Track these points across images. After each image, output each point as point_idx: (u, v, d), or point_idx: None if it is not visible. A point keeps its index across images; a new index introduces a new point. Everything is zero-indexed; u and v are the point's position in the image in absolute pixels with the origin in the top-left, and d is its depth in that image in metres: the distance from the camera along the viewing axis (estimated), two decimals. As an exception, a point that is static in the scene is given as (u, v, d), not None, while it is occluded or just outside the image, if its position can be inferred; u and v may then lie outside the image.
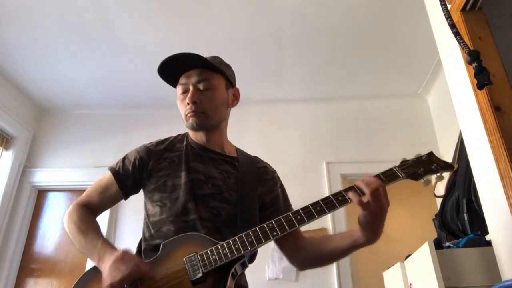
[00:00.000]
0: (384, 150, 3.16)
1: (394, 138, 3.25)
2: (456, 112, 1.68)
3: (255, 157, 1.36)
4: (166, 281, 0.99)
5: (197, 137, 1.27)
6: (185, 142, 1.28)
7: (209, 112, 1.21)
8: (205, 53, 1.24)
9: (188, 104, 1.19)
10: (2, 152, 3.22)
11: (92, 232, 1.13)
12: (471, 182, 1.69)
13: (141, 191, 1.26)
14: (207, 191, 1.17)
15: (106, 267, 0.99)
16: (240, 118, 2.63)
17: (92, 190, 1.24)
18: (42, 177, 3.37)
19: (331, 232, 2.83)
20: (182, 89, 1.23)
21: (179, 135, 1.33)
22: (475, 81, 1.30)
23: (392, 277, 2.13)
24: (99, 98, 3.50)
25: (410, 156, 1.15)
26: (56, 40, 2.82)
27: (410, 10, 2.52)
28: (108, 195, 1.22)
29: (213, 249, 1.01)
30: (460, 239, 1.68)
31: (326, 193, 2.97)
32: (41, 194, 3.39)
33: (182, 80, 1.23)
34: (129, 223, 3.08)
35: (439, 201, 2.24)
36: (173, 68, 1.22)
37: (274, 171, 1.35)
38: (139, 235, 1.23)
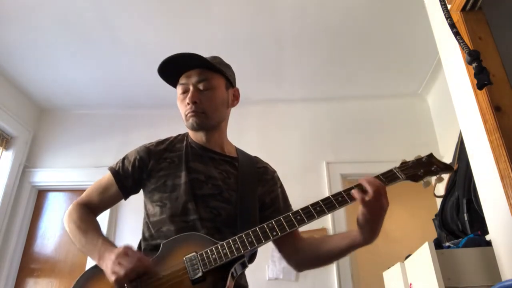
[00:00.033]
0: (384, 150, 3.16)
1: (394, 138, 3.25)
2: (456, 112, 1.68)
3: (255, 157, 1.36)
4: (166, 280, 0.99)
5: (197, 137, 1.27)
6: (185, 142, 1.28)
7: (209, 112, 1.21)
8: (205, 53, 1.24)
9: (188, 104, 1.19)
10: (2, 152, 3.22)
11: (92, 231, 1.13)
12: (471, 182, 1.69)
13: (141, 191, 1.27)
14: (207, 191, 1.17)
15: (107, 265, 0.99)
16: (240, 118, 2.63)
17: (92, 190, 1.24)
18: (42, 177, 3.37)
19: (331, 232, 2.83)
20: (182, 89, 1.23)
21: (179, 135, 1.33)
22: (475, 81, 1.30)
23: (392, 277, 2.13)
24: (99, 98, 3.50)
25: (410, 156, 1.16)
26: (56, 40, 2.82)
27: (410, 10, 2.52)
28: (108, 195, 1.22)
29: (213, 248, 1.01)
30: (460, 239, 1.68)
31: (326, 193, 2.99)
32: (41, 194, 3.39)
33: (182, 80, 1.23)
34: (129, 223, 3.08)
35: (439, 201, 2.24)
36: (173, 68, 1.22)
37: (274, 171, 1.35)
38: (139, 235, 1.23)
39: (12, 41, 2.82)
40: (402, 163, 1.12)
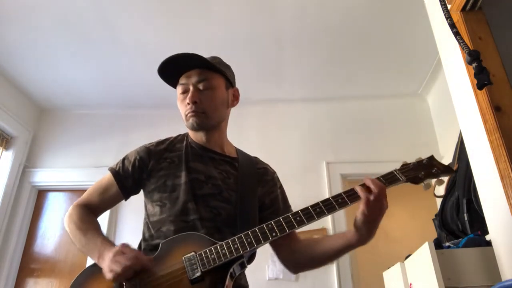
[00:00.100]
0: (384, 150, 3.17)
1: (394, 138, 3.25)
2: (456, 112, 1.68)
3: (255, 158, 1.36)
4: (165, 280, 0.99)
5: (197, 137, 1.27)
6: (185, 142, 1.28)
7: (209, 112, 1.21)
8: (205, 53, 1.24)
9: (188, 104, 1.19)
10: (2, 152, 3.22)
11: (92, 231, 1.13)
12: (471, 182, 1.69)
13: (141, 192, 1.27)
14: (207, 191, 1.17)
15: (107, 261, 0.99)
16: (240, 118, 2.63)
17: (92, 190, 1.24)
18: (42, 177, 3.37)
19: (331, 232, 2.83)
20: (182, 89, 1.23)
21: (179, 135, 1.33)
22: (475, 81, 1.30)
23: (392, 277, 2.12)
24: (99, 98, 3.50)
25: (411, 157, 1.16)
26: (56, 40, 2.82)
27: (410, 10, 2.52)
28: (108, 196, 1.22)
29: (212, 248, 1.01)
30: (460, 239, 1.68)
31: (326, 193, 3.00)
32: (41, 194, 3.40)
33: (182, 80, 1.23)
34: (129, 223, 3.08)
35: (439, 201, 2.24)
36: (173, 68, 1.22)
37: (274, 172, 1.35)
38: (139, 235, 1.23)
39: (12, 41, 2.82)
40: (402, 165, 1.12)
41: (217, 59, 1.29)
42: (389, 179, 1.07)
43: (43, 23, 2.67)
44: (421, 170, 1.10)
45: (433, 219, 2.16)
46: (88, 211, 1.20)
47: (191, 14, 2.60)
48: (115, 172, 1.22)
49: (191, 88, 1.20)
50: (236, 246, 1.01)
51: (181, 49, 1.22)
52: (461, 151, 1.91)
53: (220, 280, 0.99)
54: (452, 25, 1.37)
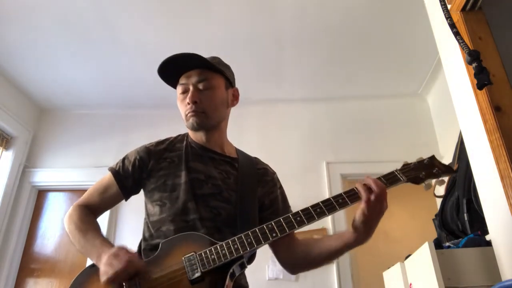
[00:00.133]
0: (384, 150, 3.17)
1: (394, 138, 3.25)
2: (456, 112, 1.68)
3: (255, 158, 1.36)
4: (165, 280, 0.99)
5: (197, 137, 1.27)
6: (185, 142, 1.28)
7: (209, 112, 1.21)
8: (205, 53, 1.24)
9: (188, 104, 1.19)
10: (2, 152, 3.22)
11: (91, 231, 1.13)
12: (471, 182, 1.69)
13: (141, 192, 1.26)
14: (207, 190, 1.17)
15: (102, 263, 0.99)
16: (240, 118, 2.63)
17: (93, 190, 1.24)
18: (42, 177, 3.37)
19: (331, 232, 2.83)
20: (182, 89, 1.23)
21: (179, 135, 1.33)
22: (475, 81, 1.30)
23: (392, 277, 2.12)
24: (99, 98, 3.50)
25: (411, 156, 1.16)
26: (56, 40, 2.82)
27: (410, 10, 2.52)
28: (108, 196, 1.22)
29: (212, 249, 1.01)
30: (460, 239, 1.68)
31: (326, 193, 3.00)
32: (41, 194, 3.40)
33: (182, 80, 1.23)
34: (129, 223, 3.08)
35: (439, 201, 2.24)
36: (173, 69, 1.22)
37: (274, 173, 1.35)
38: (139, 235, 1.23)
39: (12, 41, 2.82)
40: (403, 165, 1.11)
41: (216, 59, 1.29)
42: (390, 179, 1.07)
43: (43, 23, 2.67)
44: (422, 170, 1.09)
45: (433, 219, 2.16)
46: (88, 212, 1.20)
47: (191, 14, 2.60)
48: (115, 172, 1.22)
49: (191, 88, 1.20)
50: (236, 246, 1.01)
51: (181, 49, 1.22)
52: (461, 151, 1.91)
53: (220, 280, 0.99)
54: (452, 25, 1.37)
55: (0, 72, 3.13)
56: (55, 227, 3.24)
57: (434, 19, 1.82)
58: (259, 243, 1.01)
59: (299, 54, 2.99)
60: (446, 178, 1.12)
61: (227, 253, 1.00)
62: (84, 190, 1.27)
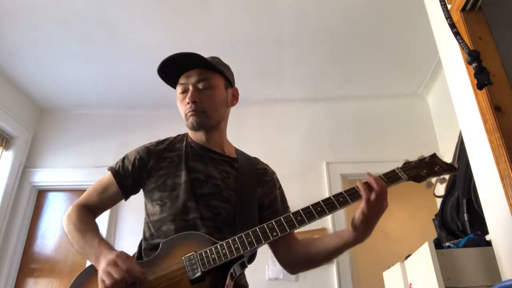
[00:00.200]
0: (384, 150, 3.17)
1: (394, 138, 3.25)
2: (456, 112, 1.68)
3: (255, 158, 1.36)
4: (165, 280, 0.99)
5: (197, 136, 1.27)
6: (185, 142, 1.28)
7: (209, 111, 1.21)
8: (205, 53, 1.24)
9: (188, 103, 1.19)
10: (2, 152, 3.22)
11: (90, 232, 1.13)
12: (471, 182, 1.69)
13: (141, 192, 1.26)
14: (207, 190, 1.17)
15: (100, 269, 0.99)
16: (240, 118, 2.63)
17: (92, 190, 1.24)
18: (42, 177, 3.37)
19: (331, 232, 2.83)
20: (181, 89, 1.23)
21: (179, 135, 1.33)
22: (475, 81, 1.30)
23: (392, 277, 2.12)
24: (99, 98, 3.50)
25: (411, 156, 1.15)
26: (56, 40, 2.82)
27: (410, 10, 2.52)
28: (108, 195, 1.22)
29: (212, 248, 1.01)
30: (460, 239, 1.68)
31: (326, 193, 2.99)
32: (41, 194, 3.39)
33: (182, 80, 1.23)
34: (129, 223, 3.08)
35: (439, 201, 2.24)
36: (172, 68, 1.22)
37: (274, 173, 1.35)
38: (139, 235, 1.23)
39: (12, 41, 2.82)
40: (404, 163, 1.11)
41: (216, 59, 1.29)
42: (391, 177, 1.07)
43: (43, 23, 2.67)
44: (423, 168, 1.09)
45: (433, 219, 2.16)
46: (87, 212, 1.20)
47: (191, 14, 2.60)
48: (115, 172, 1.22)
49: (190, 87, 1.20)
50: (236, 245, 1.01)
51: (181, 49, 1.22)
52: (461, 151, 1.91)
53: (220, 280, 0.98)
54: (452, 25, 1.37)
55: (0, 72, 3.13)
56: (55, 227, 3.24)
57: (434, 19, 1.82)
58: (259, 243, 1.01)
59: (299, 54, 2.99)
60: (447, 176, 1.12)
61: (227, 252, 1.00)
62: (84, 190, 1.27)
